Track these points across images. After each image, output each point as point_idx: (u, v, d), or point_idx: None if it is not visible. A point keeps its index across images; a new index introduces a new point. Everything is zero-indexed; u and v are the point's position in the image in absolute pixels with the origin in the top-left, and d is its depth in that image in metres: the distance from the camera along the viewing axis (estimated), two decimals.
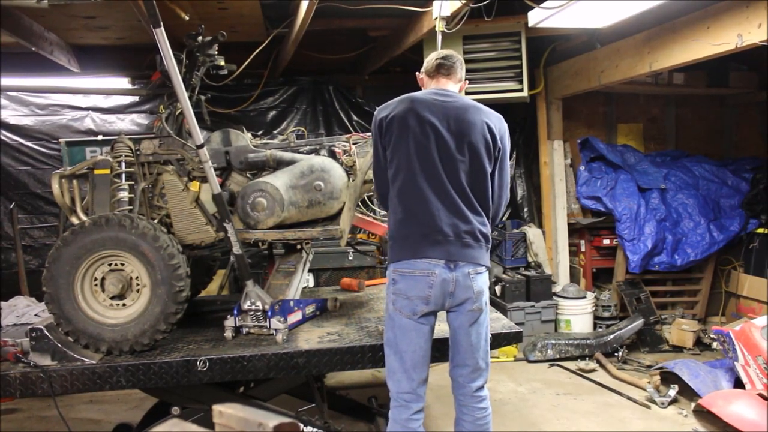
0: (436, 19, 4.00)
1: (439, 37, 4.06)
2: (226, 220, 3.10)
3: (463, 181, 2.61)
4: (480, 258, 2.65)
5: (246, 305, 3.17)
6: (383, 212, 3.43)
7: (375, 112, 2.74)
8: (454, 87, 2.78)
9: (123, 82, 6.09)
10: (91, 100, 6.16)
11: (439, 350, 2.86)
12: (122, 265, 2.95)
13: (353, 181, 3.23)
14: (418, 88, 2.85)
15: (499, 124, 2.72)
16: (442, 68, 2.76)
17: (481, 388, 2.72)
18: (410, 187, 2.60)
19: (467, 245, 2.60)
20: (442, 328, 2.80)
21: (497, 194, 2.75)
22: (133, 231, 2.89)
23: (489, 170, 2.67)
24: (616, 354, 5.36)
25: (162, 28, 2.78)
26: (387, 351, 2.69)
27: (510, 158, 6.72)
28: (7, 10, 3.96)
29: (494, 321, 3.39)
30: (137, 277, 2.96)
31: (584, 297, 5.76)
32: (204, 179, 3.16)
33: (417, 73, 2.88)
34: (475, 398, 2.70)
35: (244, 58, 4.87)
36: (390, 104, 2.71)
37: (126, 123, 6.22)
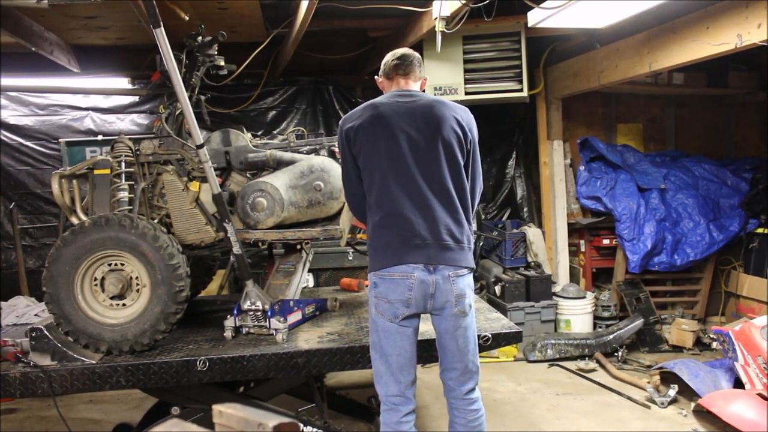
0: (436, 19, 4.00)
1: (439, 37, 4.07)
2: (226, 220, 3.10)
3: (442, 180, 2.58)
4: (461, 260, 2.61)
5: (246, 305, 3.17)
6: None
7: (340, 123, 2.70)
8: (414, 86, 2.74)
9: (123, 82, 6.10)
10: (91, 100, 6.17)
11: (432, 352, 2.86)
12: (122, 265, 2.96)
13: None
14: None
15: (465, 115, 2.69)
16: (400, 69, 2.71)
17: (472, 390, 2.70)
18: (385, 194, 2.58)
19: (447, 248, 2.57)
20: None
21: (471, 186, 2.73)
22: (133, 231, 2.89)
23: (463, 163, 2.65)
24: (615, 354, 5.36)
25: (162, 28, 2.79)
26: (373, 355, 2.67)
27: (509, 158, 6.75)
28: (7, 10, 3.96)
29: (494, 321, 3.40)
30: (137, 277, 2.96)
31: (584, 297, 5.77)
32: (204, 179, 3.16)
33: (376, 76, 2.84)
34: (466, 401, 2.68)
35: (244, 58, 4.87)
36: (354, 114, 2.67)
37: (126, 123, 6.22)
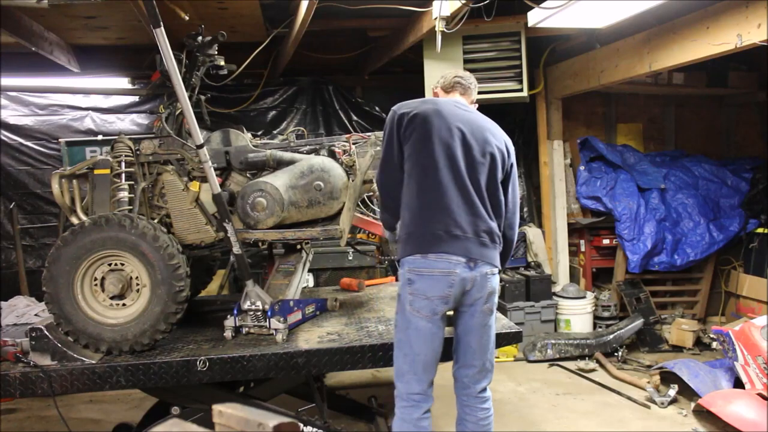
0: (436, 19, 4.00)
1: (439, 37, 4.06)
2: (226, 220, 3.10)
3: (482, 184, 2.65)
4: (495, 259, 2.68)
5: (246, 305, 3.17)
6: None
7: (394, 108, 2.72)
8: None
9: (123, 82, 6.10)
10: (91, 100, 6.17)
11: (445, 350, 2.85)
12: (122, 265, 2.95)
13: (353, 181, 3.23)
14: (419, 87, 2.87)
15: (509, 142, 2.83)
16: (459, 86, 2.87)
17: (485, 389, 2.73)
18: (432, 181, 2.59)
19: (484, 245, 2.62)
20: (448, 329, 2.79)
21: (511, 209, 2.81)
22: (133, 231, 2.89)
23: (501, 181, 2.74)
24: (615, 354, 5.36)
25: (162, 28, 2.79)
26: (397, 353, 2.66)
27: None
28: (7, 10, 3.96)
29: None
30: (137, 277, 2.96)
31: (584, 297, 5.77)
32: (204, 179, 3.16)
33: (433, 87, 2.97)
34: (479, 399, 2.71)
35: (244, 58, 4.87)
36: (411, 103, 2.71)
37: (126, 123, 6.22)
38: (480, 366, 2.70)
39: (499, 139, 2.75)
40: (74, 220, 3.19)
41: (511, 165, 2.82)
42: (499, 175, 2.72)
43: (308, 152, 3.38)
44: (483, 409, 2.71)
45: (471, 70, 5.04)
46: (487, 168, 2.66)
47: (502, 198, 2.75)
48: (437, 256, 2.55)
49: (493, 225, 2.67)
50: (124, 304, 2.98)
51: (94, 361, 2.86)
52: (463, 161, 2.61)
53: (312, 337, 3.15)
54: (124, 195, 3.17)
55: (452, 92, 2.87)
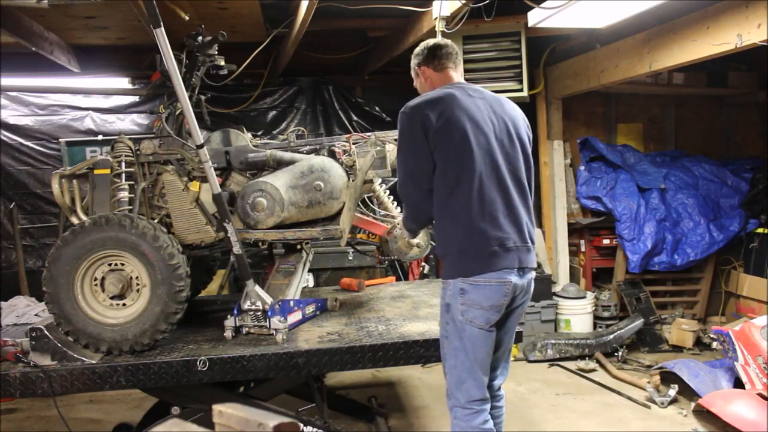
0: (436, 19, 4.01)
1: (439, 37, 4.06)
2: (226, 220, 3.09)
3: (522, 178, 2.57)
4: (535, 262, 2.65)
5: (246, 305, 3.17)
6: (383, 212, 3.43)
7: (412, 110, 2.48)
8: (462, 79, 2.70)
9: (123, 82, 6.10)
10: (91, 100, 6.17)
11: None
12: (122, 265, 2.95)
13: (353, 181, 3.23)
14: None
15: (521, 113, 2.69)
16: (450, 61, 2.64)
17: (500, 387, 2.75)
18: (479, 194, 2.44)
19: (529, 250, 2.57)
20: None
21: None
22: (133, 231, 2.89)
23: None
24: (616, 354, 5.36)
25: (162, 28, 2.78)
26: (453, 362, 2.55)
27: None
28: (7, 10, 3.96)
29: None
30: (137, 277, 2.96)
31: (584, 297, 5.77)
32: (204, 179, 3.16)
33: (418, 67, 2.70)
34: (496, 397, 2.71)
35: (244, 58, 4.87)
36: (430, 101, 2.47)
37: (126, 123, 6.23)
38: (502, 365, 2.72)
39: (519, 120, 2.61)
40: (74, 220, 3.19)
41: (531, 140, 2.70)
42: (531, 157, 2.64)
43: (308, 152, 3.38)
44: (498, 407, 2.71)
45: (471, 70, 5.11)
46: (522, 158, 2.58)
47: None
48: (495, 272, 2.48)
49: (531, 226, 2.60)
50: (124, 304, 2.97)
51: (94, 361, 2.86)
52: (502, 162, 2.49)
53: (312, 337, 3.14)
54: (124, 195, 3.17)
55: (445, 71, 2.63)
